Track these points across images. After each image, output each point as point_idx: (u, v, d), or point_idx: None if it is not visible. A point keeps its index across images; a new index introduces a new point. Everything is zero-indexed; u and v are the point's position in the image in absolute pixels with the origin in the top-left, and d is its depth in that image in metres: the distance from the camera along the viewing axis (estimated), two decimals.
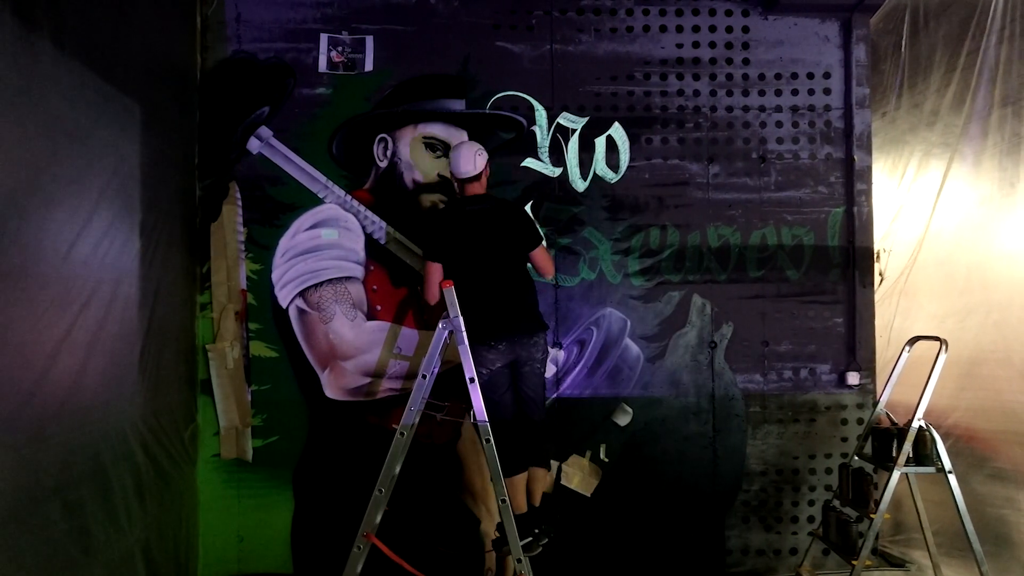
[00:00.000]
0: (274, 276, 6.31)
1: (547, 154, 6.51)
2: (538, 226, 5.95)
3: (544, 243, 5.93)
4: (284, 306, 6.30)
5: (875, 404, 6.35)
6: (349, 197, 6.34)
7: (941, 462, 5.75)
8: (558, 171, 6.52)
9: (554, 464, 6.42)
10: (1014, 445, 6.03)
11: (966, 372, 6.28)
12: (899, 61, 7.30)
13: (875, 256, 6.94)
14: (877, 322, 6.83)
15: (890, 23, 7.30)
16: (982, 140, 6.38)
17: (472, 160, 5.65)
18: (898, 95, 7.34)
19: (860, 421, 6.66)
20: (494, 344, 5.53)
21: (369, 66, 6.43)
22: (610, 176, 6.55)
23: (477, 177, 5.71)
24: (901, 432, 5.87)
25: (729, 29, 6.70)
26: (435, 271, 5.64)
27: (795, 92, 6.71)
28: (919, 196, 7.06)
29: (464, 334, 5.23)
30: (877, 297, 6.92)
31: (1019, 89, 6.06)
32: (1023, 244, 5.99)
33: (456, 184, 5.83)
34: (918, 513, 6.20)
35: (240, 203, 6.30)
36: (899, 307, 7.02)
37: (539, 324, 5.73)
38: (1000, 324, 6.14)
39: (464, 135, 6.45)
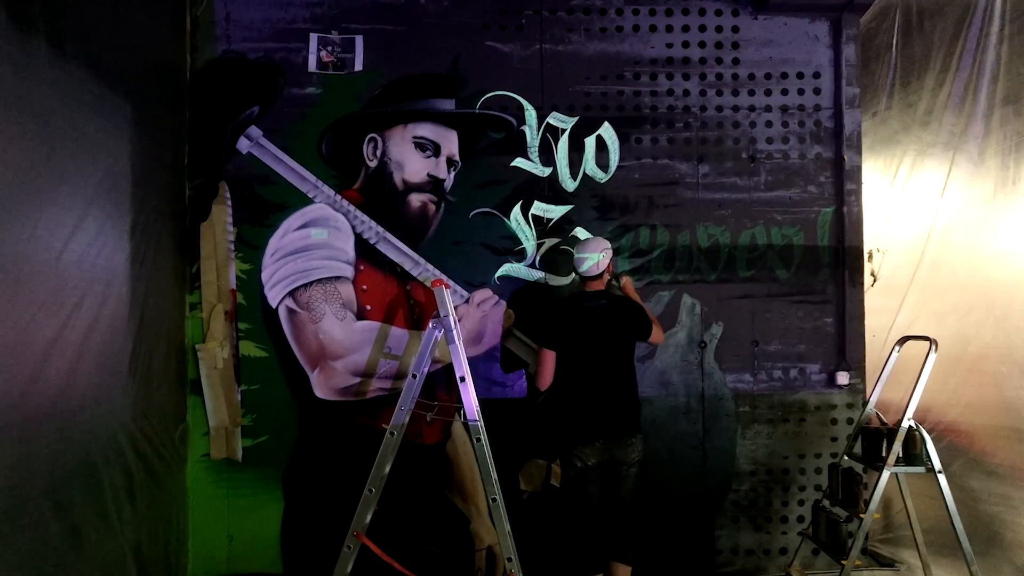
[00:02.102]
0: (264, 276, 6.38)
1: (537, 154, 6.60)
2: (647, 316, 6.06)
3: (653, 329, 6.02)
4: (274, 306, 6.37)
5: (865, 404, 6.45)
6: (339, 197, 6.41)
7: (931, 462, 5.84)
8: (548, 171, 6.60)
9: (544, 464, 6.49)
10: (1012, 441, 6.11)
11: (968, 368, 6.37)
12: (890, 61, 7.36)
13: (868, 256, 7.01)
14: (877, 322, 6.93)
15: (881, 23, 7.38)
16: (982, 139, 6.46)
17: (596, 262, 5.81)
18: (889, 95, 7.41)
19: (850, 421, 6.75)
20: (592, 441, 5.69)
21: (359, 66, 6.50)
22: (600, 176, 6.64)
23: (599, 276, 5.86)
24: (891, 432, 5.96)
25: (719, 29, 6.80)
26: (549, 358, 5.82)
27: (785, 92, 6.81)
28: (913, 196, 7.14)
29: (455, 333, 5.30)
30: (874, 297, 6.98)
31: (1019, 87, 6.13)
32: (1023, 242, 6.06)
33: (578, 276, 5.99)
34: (908, 513, 6.29)
35: (230, 203, 6.37)
36: (905, 305, 7.06)
37: (637, 426, 5.85)
38: (1001, 321, 6.23)
39: (454, 135, 6.55)
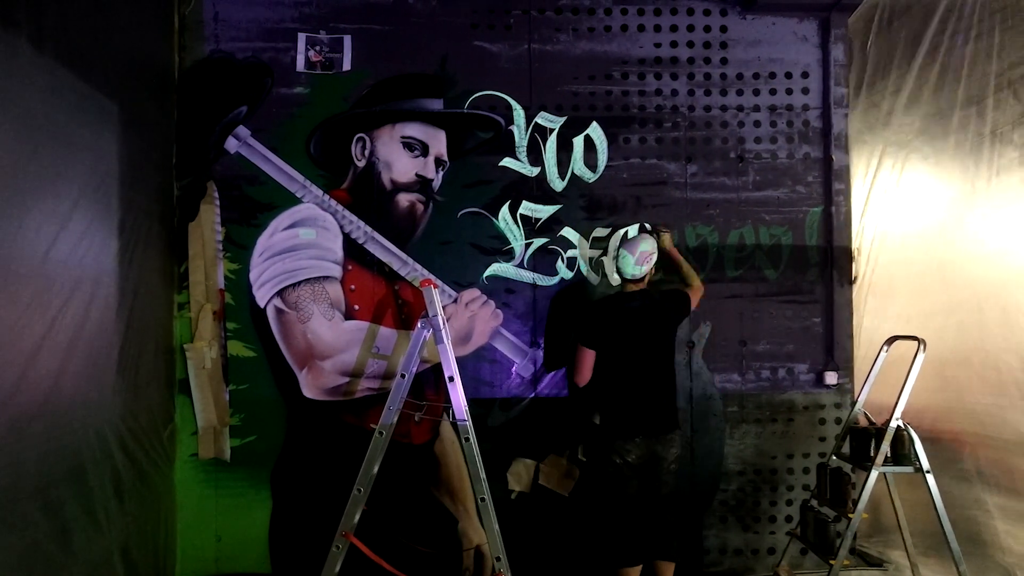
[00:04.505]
0: (252, 275, 6.43)
1: (525, 154, 6.66)
2: (683, 293, 6.17)
3: (691, 296, 6.15)
4: (262, 305, 6.42)
5: (853, 404, 6.50)
6: (327, 196, 6.46)
7: (919, 461, 5.90)
8: (536, 170, 6.65)
9: (532, 463, 6.53)
10: (977, 447, 6.19)
11: (932, 373, 6.39)
12: (863, 61, 7.40)
13: (854, 255, 7.03)
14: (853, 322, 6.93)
15: (859, 23, 7.40)
16: (944, 140, 6.51)
17: (642, 267, 5.93)
18: (856, 95, 7.43)
19: (838, 421, 6.82)
20: (632, 437, 5.81)
21: (347, 65, 6.55)
22: (588, 176, 6.69)
23: (641, 278, 5.99)
24: (879, 432, 6.03)
25: (707, 29, 6.86)
26: (588, 357, 5.96)
27: (773, 92, 6.87)
28: (877, 197, 7.18)
29: (444, 333, 5.34)
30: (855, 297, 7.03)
31: (983, 89, 6.17)
32: (985, 245, 6.15)
33: (620, 277, 6.09)
34: (896, 513, 6.35)
35: (218, 202, 6.42)
36: (867, 307, 7.12)
37: (675, 422, 5.98)
38: (963, 325, 6.30)
39: (442, 135, 6.60)
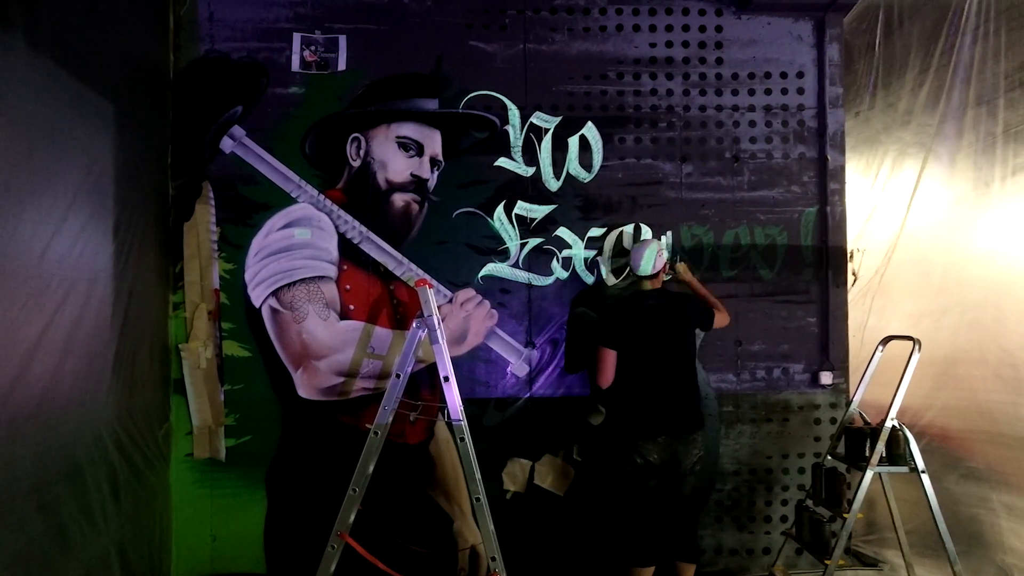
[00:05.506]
0: (247, 275, 6.46)
1: (520, 153, 6.69)
2: (707, 305, 6.32)
3: (716, 315, 6.26)
4: (257, 305, 6.44)
5: (848, 404, 6.54)
6: (322, 196, 6.49)
7: (914, 461, 5.94)
8: (531, 170, 6.69)
9: (527, 463, 6.56)
10: (987, 445, 6.21)
11: (941, 372, 6.45)
12: (873, 61, 7.43)
13: (849, 256, 7.06)
14: (851, 322, 6.97)
15: (863, 23, 7.47)
16: (956, 139, 6.55)
17: (652, 262, 6.07)
18: (872, 95, 7.49)
19: (833, 421, 6.85)
20: (654, 437, 5.85)
21: (342, 65, 6.57)
22: (583, 175, 6.73)
23: (654, 275, 6.08)
24: (874, 432, 6.05)
25: (702, 28, 6.89)
26: (609, 357, 6.03)
27: (768, 92, 6.90)
28: (893, 196, 7.23)
29: (439, 333, 5.36)
30: (851, 297, 7.04)
31: (993, 88, 6.20)
32: (998, 244, 6.18)
33: (635, 276, 6.19)
34: (891, 512, 6.37)
35: (213, 202, 6.45)
36: (873, 306, 7.16)
37: (698, 422, 6.03)
38: (975, 324, 6.31)
39: (437, 135, 6.63)
